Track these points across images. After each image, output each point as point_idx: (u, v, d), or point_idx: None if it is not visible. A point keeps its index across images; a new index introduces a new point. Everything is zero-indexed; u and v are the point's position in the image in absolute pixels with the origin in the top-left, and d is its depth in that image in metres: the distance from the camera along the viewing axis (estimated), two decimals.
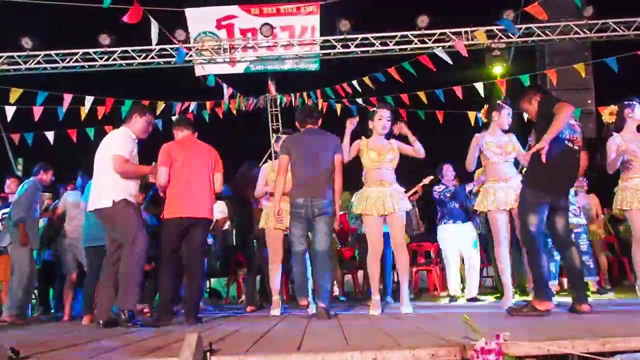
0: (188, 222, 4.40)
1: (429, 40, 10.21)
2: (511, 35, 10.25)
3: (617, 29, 10.07)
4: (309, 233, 4.54)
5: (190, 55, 10.28)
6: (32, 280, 5.67)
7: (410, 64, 9.63)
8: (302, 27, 10.57)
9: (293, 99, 11.20)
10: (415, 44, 10.22)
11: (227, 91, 10.66)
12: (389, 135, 4.68)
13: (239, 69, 10.88)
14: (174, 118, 9.32)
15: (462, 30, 10.26)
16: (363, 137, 4.64)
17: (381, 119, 4.59)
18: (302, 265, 4.58)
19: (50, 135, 9.92)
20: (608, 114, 4.61)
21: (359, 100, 10.48)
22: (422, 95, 10.01)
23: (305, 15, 10.50)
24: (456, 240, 6.05)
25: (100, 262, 4.51)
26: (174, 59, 10.22)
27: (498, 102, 4.86)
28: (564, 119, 3.63)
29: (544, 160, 3.65)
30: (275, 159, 5.26)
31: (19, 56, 10.04)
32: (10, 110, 9.49)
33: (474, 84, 9.99)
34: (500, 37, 10.33)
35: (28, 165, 9.29)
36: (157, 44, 9.61)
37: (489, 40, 10.17)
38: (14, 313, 5.38)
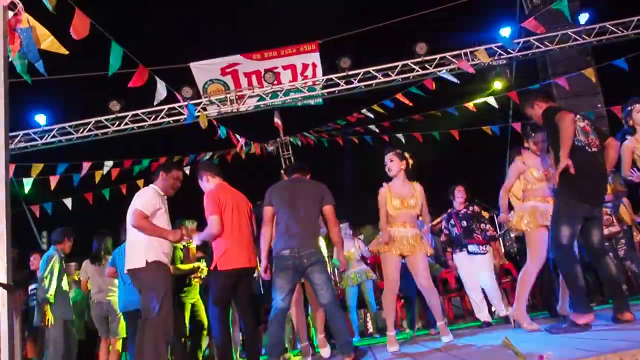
0: (243, 272, 4.28)
1: (430, 66, 10.30)
2: (511, 51, 10.29)
3: (616, 30, 10.09)
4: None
5: (199, 111, 10.38)
6: (70, 354, 5.56)
7: (417, 88, 9.65)
8: (304, 65, 10.82)
9: (307, 141, 11.35)
10: (417, 71, 10.32)
11: (241, 140, 10.81)
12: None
13: (248, 107, 11.09)
14: (186, 169, 9.45)
15: (462, 52, 10.34)
16: (385, 184, 4.55)
17: (386, 164, 4.58)
18: (279, 326, 3.99)
19: (68, 202, 10.05)
20: None
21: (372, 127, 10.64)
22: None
23: (306, 53, 10.73)
24: (470, 265, 5.86)
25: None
26: (183, 117, 10.40)
27: None
28: (567, 130, 3.60)
29: (572, 171, 3.60)
30: None
31: (35, 132, 10.30)
32: (27, 183, 9.65)
33: (486, 98, 10.01)
34: (500, 54, 10.37)
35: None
36: (164, 104, 9.81)
37: (490, 58, 10.18)
38: None
